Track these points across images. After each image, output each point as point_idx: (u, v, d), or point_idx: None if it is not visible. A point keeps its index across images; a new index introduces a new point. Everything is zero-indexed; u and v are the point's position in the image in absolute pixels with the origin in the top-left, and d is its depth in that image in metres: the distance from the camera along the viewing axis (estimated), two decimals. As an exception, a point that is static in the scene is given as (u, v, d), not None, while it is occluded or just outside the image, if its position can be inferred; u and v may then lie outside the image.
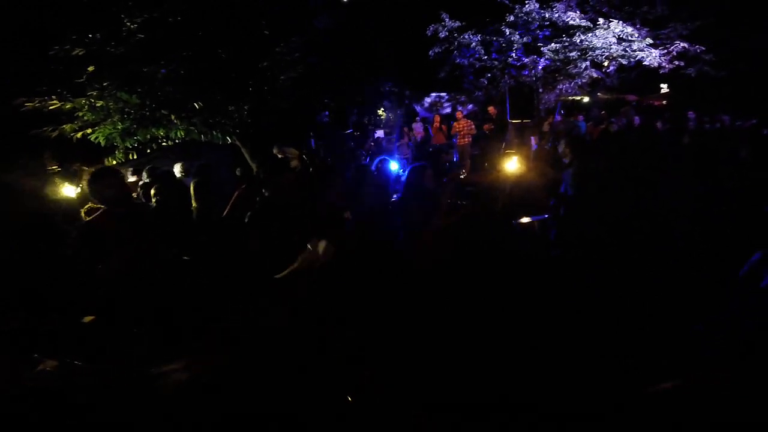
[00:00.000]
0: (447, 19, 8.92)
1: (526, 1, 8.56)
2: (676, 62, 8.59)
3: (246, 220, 2.64)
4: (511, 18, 8.78)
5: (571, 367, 2.20)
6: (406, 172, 3.24)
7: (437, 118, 10.71)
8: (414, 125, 11.29)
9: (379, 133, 10.94)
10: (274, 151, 6.88)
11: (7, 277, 3.32)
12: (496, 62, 9.36)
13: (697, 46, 8.46)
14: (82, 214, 3.50)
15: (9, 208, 4.37)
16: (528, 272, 3.17)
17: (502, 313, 2.60)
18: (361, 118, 11.26)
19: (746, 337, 1.73)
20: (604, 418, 1.60)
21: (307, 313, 2.04)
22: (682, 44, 8.43)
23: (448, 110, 12.43)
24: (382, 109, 12.01)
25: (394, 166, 5.20)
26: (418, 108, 12.45)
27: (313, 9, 7.21)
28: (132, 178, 5.92)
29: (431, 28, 9.04)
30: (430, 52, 9.33)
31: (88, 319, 2.67)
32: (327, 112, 9.42)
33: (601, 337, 2.45)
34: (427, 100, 12.53)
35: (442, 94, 12.28)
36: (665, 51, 8.52)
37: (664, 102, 11.93)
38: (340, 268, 2.37)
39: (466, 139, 9.49)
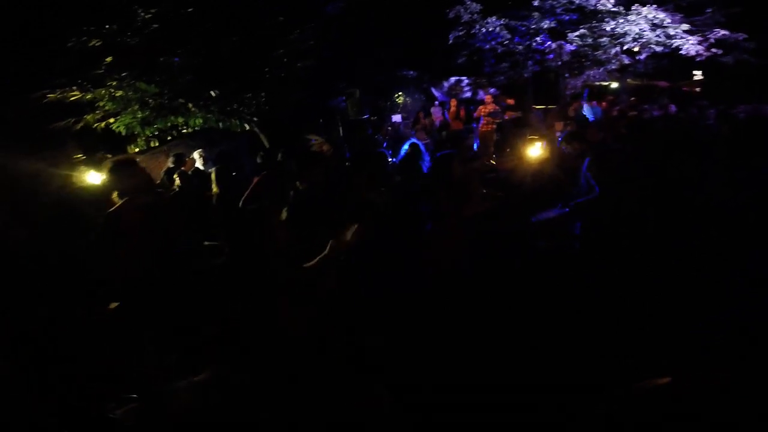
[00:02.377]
0: (468, 2, 8.60)
1: None
2: (714, 50, 8.09)
3: (284, 216, 2.59)
4: (537, 2, 8.40)
5: (571, 367, 2.16)
6: (434, 159, 3.15)
7: (453, 103, 10.45)
8: (432, 109, 11.07)
9: (397, 118, 10.78)
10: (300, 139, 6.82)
11: (37, 264, 3.44)
12: (519, 47, 9.02)
13: (737, 34, 7.93)
14: (114, 198, 3.54)
15: (38, 197, 4.52)
16: (545, 267, 3.08)
17: (514, 311, 2.54)
18: (378, 103, 11.10)
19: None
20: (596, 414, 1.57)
21: (329, 315, 2.01)
22: (722, 32, 7.92)
23: (468, 95, 12.13)
24: (400, 93, 11.81)
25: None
26: (436, 92, 12.20)
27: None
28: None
29: (452, 11, 8.74)
30: (450, 36, 9.04)
31: (113, 305, 2.74)
32: (343, 98, 9.32)
33: (611, 336, 2.41)
34: (446, 84, 12.23)
35: (462, 78, 11.96)
36: (702, 38, 8.02)
37: (697, 89, 11.37)
38: (366, 253, 2.32)
39: (489, 126, 9.22)
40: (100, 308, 2.72)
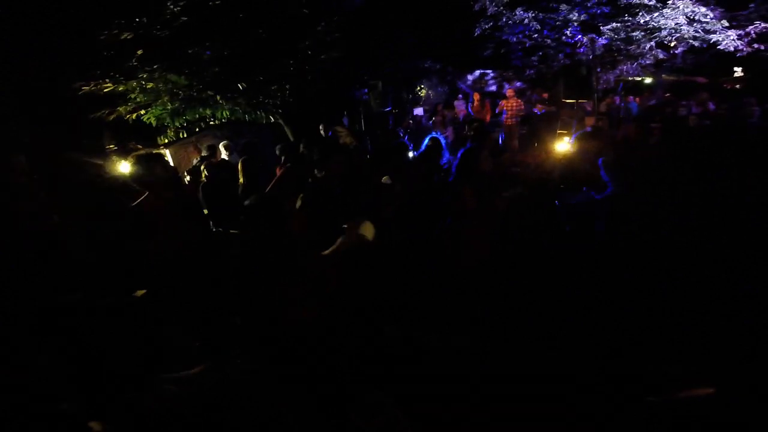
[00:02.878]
0: (496, -7, 8.39)
1: None
2: (756, 45, 7.59)
3: (298, 202, 2.62)
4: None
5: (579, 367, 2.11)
6: (459, 153, 3.11)
7: (476, 96, 10.26)
8: (456, 102, 10.90)
9: (419, 111, 10.68)
10: (321, 130, 6.91)
11: (69, 250, 3.60)
12: (548, 40, 8.74)
13: None
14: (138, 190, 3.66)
15: (73, 185, 4.72)
16: (569, 252, 3.00)
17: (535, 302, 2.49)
18: (400, 96, 11.02)
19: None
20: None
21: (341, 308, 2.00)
22: (763, 25, 7.41)
23: (493, 88, 11.89)
24: (422, 86, 11.68)
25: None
26: (461, 85, 12.01)
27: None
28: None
29: (479, 4, 8.54)
30: (476, 29, 8.85)
31: (140, 292, 2.86)
32: (366, 90, 9.30)
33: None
34: (470, 77, 12.02)
35: (487, 71, 11.73)
36: (743, 32, 7.54)
37: (738, 86, 10.77)
38: (380, 250, 2.31)
39: (513, 120, 9.03)
40: (127, 296, 2.85)
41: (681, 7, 7.36)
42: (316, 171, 3.65)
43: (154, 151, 5.16)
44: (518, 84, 10.89)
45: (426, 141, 5.19)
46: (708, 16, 7.42)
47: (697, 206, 3.23)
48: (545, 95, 9.75)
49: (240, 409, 1.42)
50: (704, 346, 2.13)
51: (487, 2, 8.42)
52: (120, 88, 5.66)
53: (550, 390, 1.82)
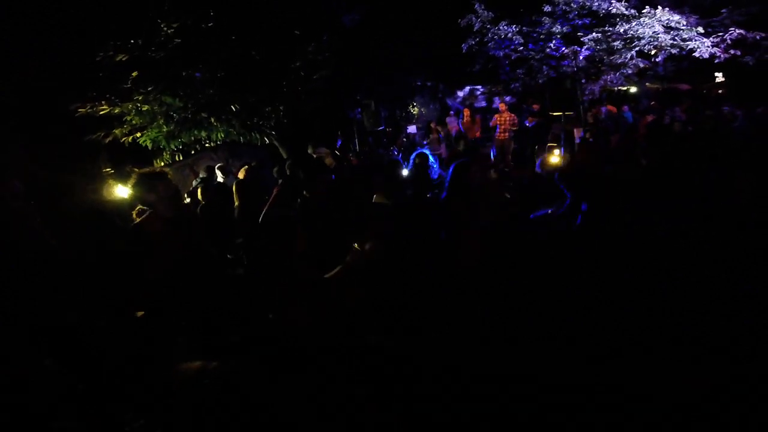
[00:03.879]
0: (480, 10, 8.64)
1: None
2: (732, 51, 7.84)
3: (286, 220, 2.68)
4: (548, 8, 8.38)
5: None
6: (450, 168, 3.17)
7: (467, 112, 10.46)
8: (448, 119, 11.10)
9: (412, 129, 10.86)
10: (309, 150, 7.03)
11: (66, 272, 3.59)
12: (533, 53, 8.99)
13: (756, 33, 7.65)
14: (134, 215, 3.71)
15: (71, 208, 4.73)
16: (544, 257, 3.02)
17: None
18: (393, 114, 11.21)
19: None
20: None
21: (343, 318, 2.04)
22: (738, 31, 7.67)
23: (483, 104, 12.13)
24: (414, 104, 11.90)
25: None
26: (451, 102, 12.26)
27: (339, 7, 7.23)
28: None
29: (465, 20, 8.80)
30: (464, 45, 9.10)
31: (139, 314, 2.84)
32: (359, 110, 9.46)
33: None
34: (460, 93, 12.30)
35: (477, 86, 12.00)
36: (719, 39, 7.79)
37: (720, 91, 11.08)
38: (385, 268, 2.36)
39: (506, 134, 9.18)
40: (126, 316, 2.83)
41: (657, 15, 7.62)
42: (304, 191, 3.75)
43: (158, 169, 5.18)
44: (509, 98, 11.13)
45: (413, 157, 5.30)
46: (683, 24, 7.66)
47: (686, 209, 3.28)
48: (536, 107, 9.93)
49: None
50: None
51: (473, 18, 8.69)
52: (116, 110, 5.68)
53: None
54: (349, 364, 1.85)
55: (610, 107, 9.94)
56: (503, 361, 2.22)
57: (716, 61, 8.00)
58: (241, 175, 5.42)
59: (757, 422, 1.79)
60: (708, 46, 7.74)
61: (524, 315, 2.50)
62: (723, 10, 8.03)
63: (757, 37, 7.69)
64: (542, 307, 2.57)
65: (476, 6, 8.62)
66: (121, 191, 5.85)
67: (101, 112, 5.63)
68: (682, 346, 2.26)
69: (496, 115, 9.40)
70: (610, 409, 1.91)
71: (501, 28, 8.57)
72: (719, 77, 11.24)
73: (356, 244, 2.24)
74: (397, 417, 1.79)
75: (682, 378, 2.03)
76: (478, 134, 10.66)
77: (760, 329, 2.24)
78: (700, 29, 7.78)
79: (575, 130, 9.00)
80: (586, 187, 3.23)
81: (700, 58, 7.96)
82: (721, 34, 7.81)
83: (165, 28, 5.45)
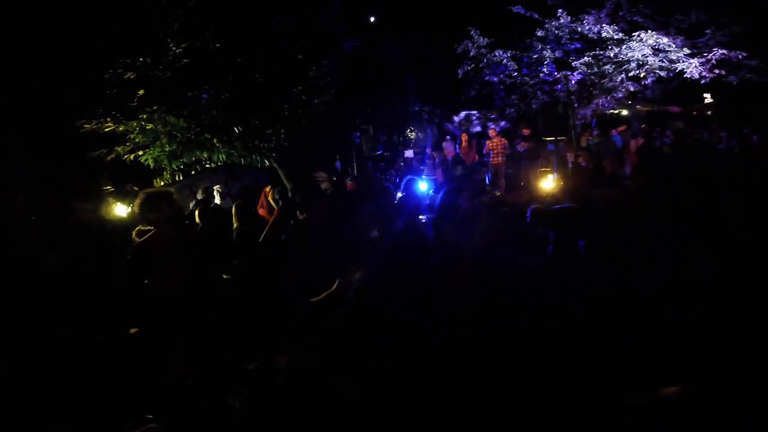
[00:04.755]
0: (476, 36, 8.91)
1: (559, 15, 8.43)
2: (717, 71, 8.12)
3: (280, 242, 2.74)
4: (541, 33, 8.67)
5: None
6: (441, 193, 3.22)
7: (464, 137, 10.65)
8: (444, 144, 11.30)
9: (409, 153, 11.04)
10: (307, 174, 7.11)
11: (64, 286, 3.57)
12: (527, 78, 9.26)
13: (737, 52, 7.95)
14: (134, 236, 3.73)
15: (70, 225, 4.75)
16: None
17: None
18: (391, 139, 11.41)
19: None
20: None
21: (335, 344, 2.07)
22: (720, 51, 7.94)
23: (479, 128, 12.37)
24: (411, 129, 12.12)
25: (423, 186, 5.23)
26: (449, 126, 12.52)
27: (340, 33, 7.46)
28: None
29: (461, 46, 9.08)
30: (460, 71, 9.36)
31: (132, 330, 2.84)
32: (358, 134, 9.64)
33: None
34: (456, 118, 12.56)
35: (473, 111, 12.27)
36: (704, 59, 8.07)
37: (709, 112, 11.36)
38: (371, 294, 2.39)
39: (500, 158, 9.33)
40: (121, 333, 2.83)
41: (645, 39, 7.87)
42: (298, 213, 3.83)
43: (164, 189, 5.22)
44: (503, 124, 11.37)
45: (404, 183, 5.38)
46: (671, 46, 7.90)
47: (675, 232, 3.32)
48: (526, 132, 10.14)
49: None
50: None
51: (469, 44, 8.96)
52: (120, 128, 5.64)
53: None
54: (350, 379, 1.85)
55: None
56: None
57: (702, 81, 8.28)
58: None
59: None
60: (695, 66, 7.98)
61: (516, 336, 2.51)
62: (707, 31, 8.30)
63: (740, 57, 7.94)
64: (536, 330, 2.58)
65: (472, 32, 8.87)
66: (121, 210, 5.89)
67: (106, 129, 5.64)
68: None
69: (487, 141, 9.57)
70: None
71: (496, 53, 8.83)
72: (707, 98, 11.53)
73: (344, 271, 2.29)
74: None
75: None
76: (476, 158, 10.83)
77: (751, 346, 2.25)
78: (686, 50, 8.03)
79: (568, 155, 9.18)
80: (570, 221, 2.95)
81: (690, 79, 8.18)
82: (706, 54, 8.04)
83: (174, 48, 5.52)
